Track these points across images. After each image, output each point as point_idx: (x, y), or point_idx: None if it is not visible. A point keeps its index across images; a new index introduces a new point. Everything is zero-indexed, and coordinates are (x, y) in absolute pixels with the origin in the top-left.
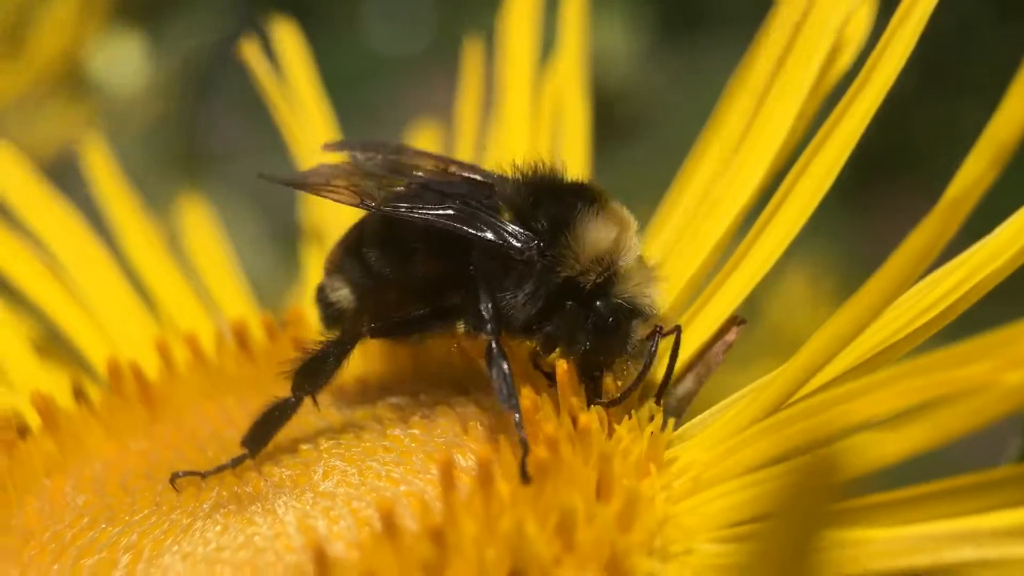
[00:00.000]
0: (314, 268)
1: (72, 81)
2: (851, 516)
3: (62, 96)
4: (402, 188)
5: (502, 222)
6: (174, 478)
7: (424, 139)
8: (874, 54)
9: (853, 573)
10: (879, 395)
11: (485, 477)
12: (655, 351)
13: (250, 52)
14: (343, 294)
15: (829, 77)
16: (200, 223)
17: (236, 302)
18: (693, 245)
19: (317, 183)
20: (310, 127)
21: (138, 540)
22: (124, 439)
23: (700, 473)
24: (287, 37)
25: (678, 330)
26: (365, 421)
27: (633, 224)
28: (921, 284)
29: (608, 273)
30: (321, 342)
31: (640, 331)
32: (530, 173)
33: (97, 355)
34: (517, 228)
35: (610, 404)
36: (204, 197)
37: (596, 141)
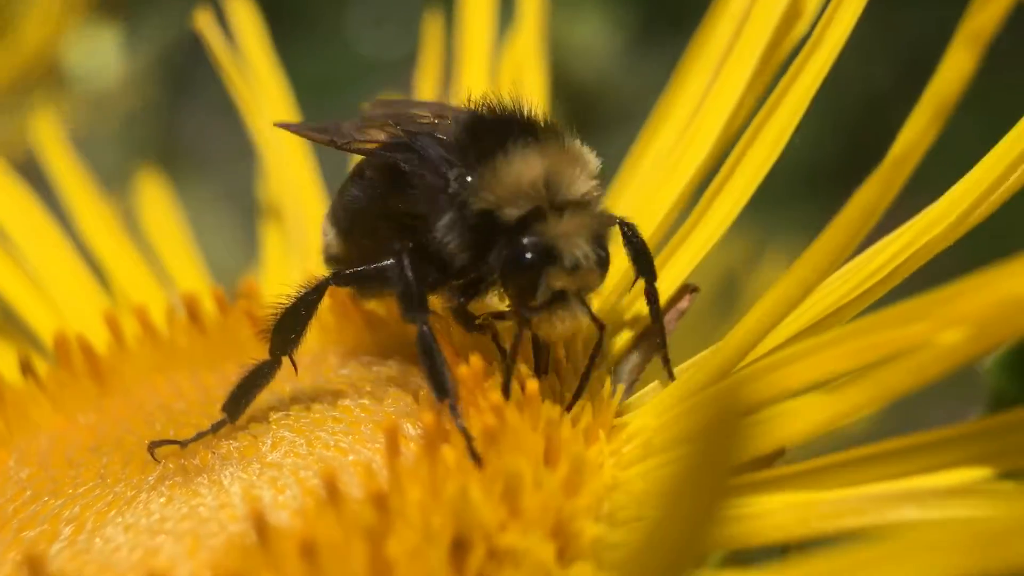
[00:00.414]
0: (271, 246)
1: (50, 75)
2: (797, 479)
3: (40, 90)
4: (374, 128)
5: (440, 157)
6: (152, 447)
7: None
8: (822, 21)
9: (800, 534)
10: (820, 358)
11: (431, 444)
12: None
13: (203, 23)
14: (331, 237)
15: (784, 46)
16: (156, 199)
17: (190, 277)
18: (648, 211)
19: (302, 128)
20: (265, 100)
21: (80, 512)
22: (72, 413)
23: (650, 439)
24: (243, 13)
25: (602, 330)
26: (316, 393)
27: (586, 166)
28: (868, 251)
29: (531, 208)
30: (289, 296)
31: (556, 281)
32: (485, 109)
33: (46, 329)
34: (449, 160)
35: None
36: (173, 185)
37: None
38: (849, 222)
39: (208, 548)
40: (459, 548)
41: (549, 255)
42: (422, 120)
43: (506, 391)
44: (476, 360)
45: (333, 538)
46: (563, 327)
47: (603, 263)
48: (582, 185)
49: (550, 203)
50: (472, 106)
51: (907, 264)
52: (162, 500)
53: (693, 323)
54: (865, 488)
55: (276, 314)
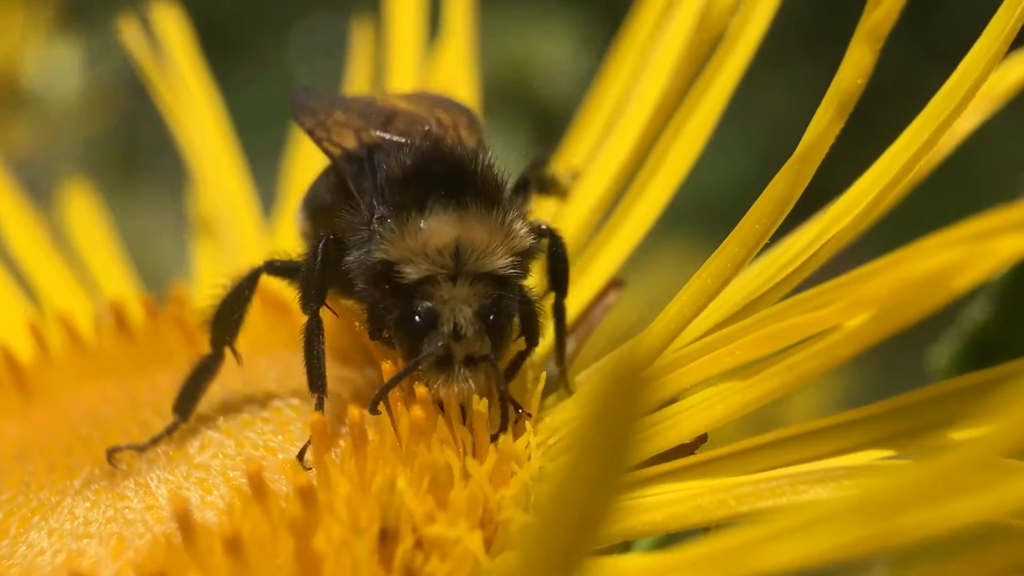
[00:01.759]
0: (204, 254)
1: (8, 90)
2: (717, 464)
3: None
4: (351, 130)
5: (380, 187)
6: (111, 453)
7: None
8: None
9: (720, 516)
10: (735, 345)
11: (359, 438)
12: (410, 367)
13: (129, 33)
14: (301, 222)
15: (704, 42)
16: (84, 209)
17: (118, 285)
18: (577, 205)
19: (305, 104)
20: (193, 105)
21: (3, 519)
22: None
23: (567, 433)
24: (169, 21)
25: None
26: (246, 395)
27: (511, 240)
28: (781, 243)
29: (429, 273)
30: (224, 287)
31: (439, 346)
32: (444, 147)
33: None
34: (383, 196)
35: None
36: (133, 197)
37: None
38: (762, 214)
39: (133, 549)
40: (386, 540)
41: (432, 319)
42: (400, 135)
43: (372, 408)
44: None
45: (260, 533)
46: (447, 391)
47: (493, 333)
48: (497, 260)
49: (451, 272)
50: (436, 137)
51: (818, 255)
52: (87, 504)
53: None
54: (782, 470)
55: (213, 306)
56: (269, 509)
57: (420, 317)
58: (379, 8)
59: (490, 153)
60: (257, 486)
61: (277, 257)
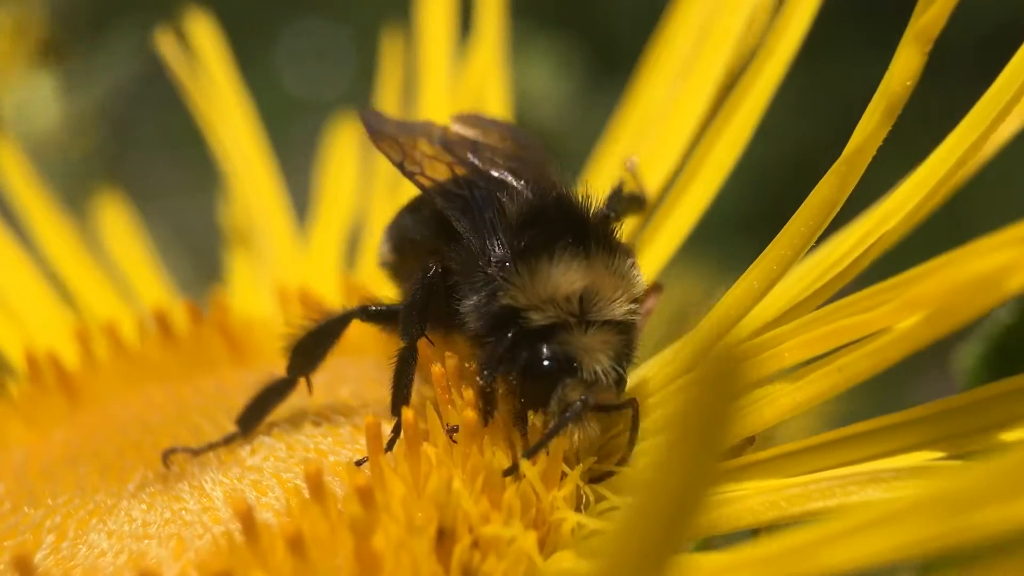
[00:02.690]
0: (239, 265)
1: None
2: (766, 466)
3: None
4: (443, 164)
5: (492, 227)
6: (167, 455)
7: (346, 129)
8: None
9: (770, 518)
10: (785, 347)
11: (413, 441)
12: (569, 416)
13: (166, 46)
14: (385, 250)
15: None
16: (118, 220)
17: (156, 293)
18: None
19: (383, 132)
20: (231, 120)
21: (62, 522)
22: (45, 429)
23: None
24: (204, 33)
25: (634, 404)
26: (295, 400)
27: (629, 287)
28: (827, 245)
29: (558, 320)
30: (314, 319)
31: (572, 392)
32: (555, 193)
33: (14, 349)
34: (499, 238)
35: (526, 454)
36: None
37: None
38: (808, 216)
39: (194, 549)
40: (444, 539)
41: (569, 366)
42: (495, 170)
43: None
44: (451, 360)
45: (319, 533)
46: (575, 438)
47: (621, 382)
48: (618, 308)
49: (579, 319)
50: (547, 183)
51: (865, 256)
52: (143, 507)
53: None
54: (831, 472)
55: (299, 335)
56: (328, 509)
57: (553, 362)
58: (368, 14)
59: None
60: (316, 486)
61: (371, 304)
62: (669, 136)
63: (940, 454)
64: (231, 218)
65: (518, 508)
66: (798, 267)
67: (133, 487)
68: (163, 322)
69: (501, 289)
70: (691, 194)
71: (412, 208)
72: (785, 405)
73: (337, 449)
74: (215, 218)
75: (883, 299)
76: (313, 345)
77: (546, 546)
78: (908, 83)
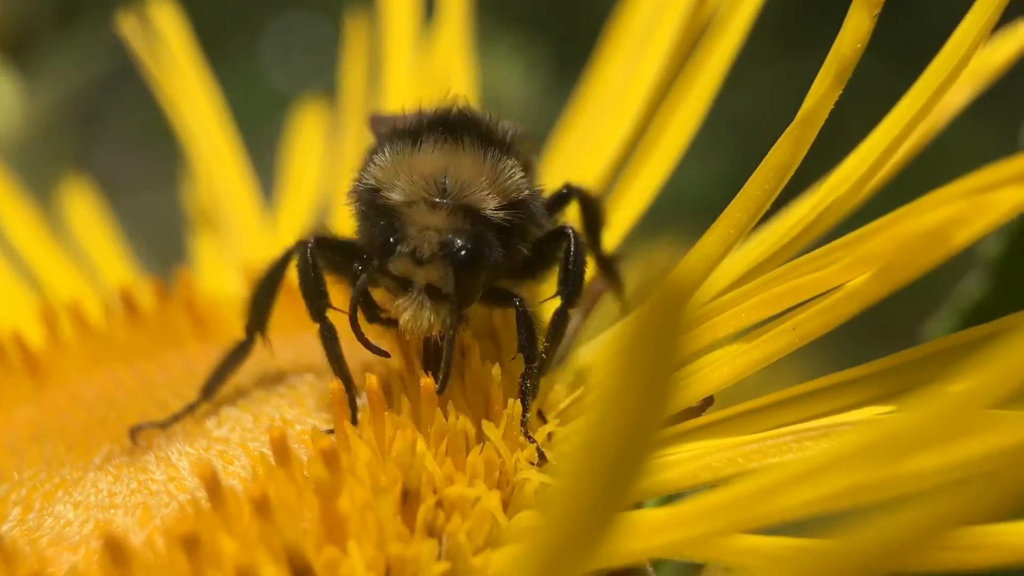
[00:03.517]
0: (205, 248)
1: None
2: (724, 425)
3: None
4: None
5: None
6: (134, 431)
7: (310, 114)
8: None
9: (728, 474)
10: (740, 308)
11: (376, 405)
12: (358, 287)
13: (128, 29)
14: None
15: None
16: (83, 205)
17: (121, 275)
18: (583, 174)
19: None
20: (195, 101)
21: (28, 495)
22: (9, 408)
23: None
24: (168, 19)
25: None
26: (259, 373)
27: (502, 185)
28: (783, 211)
29: (412, 197)
30: (260, 273)
31: (397, 265)
32: (456, 110)
33: None
34: (391, 139)
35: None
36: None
37: None
38: (764, 180)
39: (160, 517)
40: (408, 500)
41: (400, 237)
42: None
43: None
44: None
45: (285, 496)
46: (405, 317)
47: (460, 270)
48: (482, 200)
49: (430, 200)
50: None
51: (817, 222)
52: (109, 479)
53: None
54: (788, 428)
55: (248, 293)
56: (293, 474)
57: (393, 236)
58: (353, 6)
59: (518, 131)
60: (281, 452)
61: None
62: (625, 112)
63: (891, 408)
64: (195, 200)
65: (482, 470)
66: (754, 233)
67: (99, 460)
68: (128, 301)
69: (366, 171)
70: (650, 166)
71: None
72: (742, 364)
73: (303, 419)
74: (181, 214)
75: (835, 257)
76: (262, 297)
77: (510, 506)
78: (858, 46)
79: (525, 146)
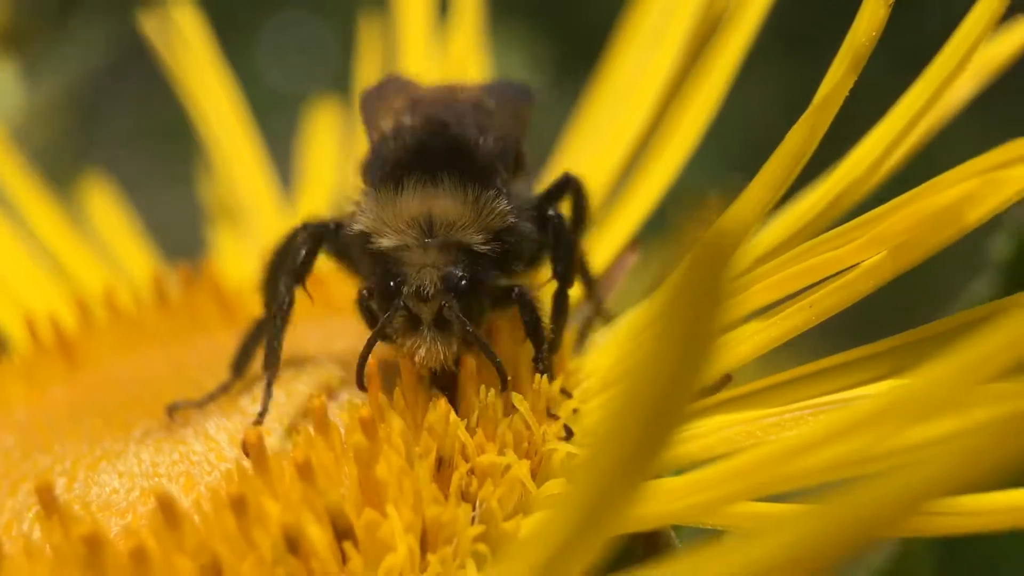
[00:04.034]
0: (223, 237)
1: None
2: (742, 400)
3: None
4: (393, 116)
5: (378, 163)
6: (170, 409)
7: (324, 113)
8: None
9: (746, 446)
10: (758, 288)
11: (410, 380)
12: (376, 332)
13: (151, 29)
14: None
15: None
16: (103, 199)
17: (146, 265)
18: (597, 169)
19: (371, 92)
20: (214, 94)
21: (72, 467)
22: (45, 389)
23: (605, 375)
24: (185, 12)
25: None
26: (290, 354)
27: (486, 219)
28: (796, 197)
29: (401, 241)
30: (271, 252)
31: (408, 306)
32: (439, 127)
33: (9, 319)
34: (376, 170)
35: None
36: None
37: None
38: (778, 166)
39: (203, 484)
40: (442, 467)
41: (398, 280)
42: (420, 120)
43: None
44: None
45: (325, 463)
46: (419, 353)
47: (459, 293)
48: (466, 234)
49: (420, 242)
50: (441, 121)
51: (830, 209)
52: (151, 451)
53: None
54: (805, 402)
55: (260, 274)
56: (332, 442)
57: (392, 281)
58: (351, 6)
59: (505, 139)
60: (321, 420)
61: (311, 221)
62: (638, 106)
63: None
64: (213, 191)
65: (511, 440)
66: (770, 217)
67: (138, 435)
68: (158, 287)
69: (355, 216)
70: (662, 160)
71: None
72: (760, 341)
73: (338, 394)
74: (182, 212)
75: (851, 237)
76: (273, 277)
77: (538, 475)
78: (873, 34)
79: (514, 144)
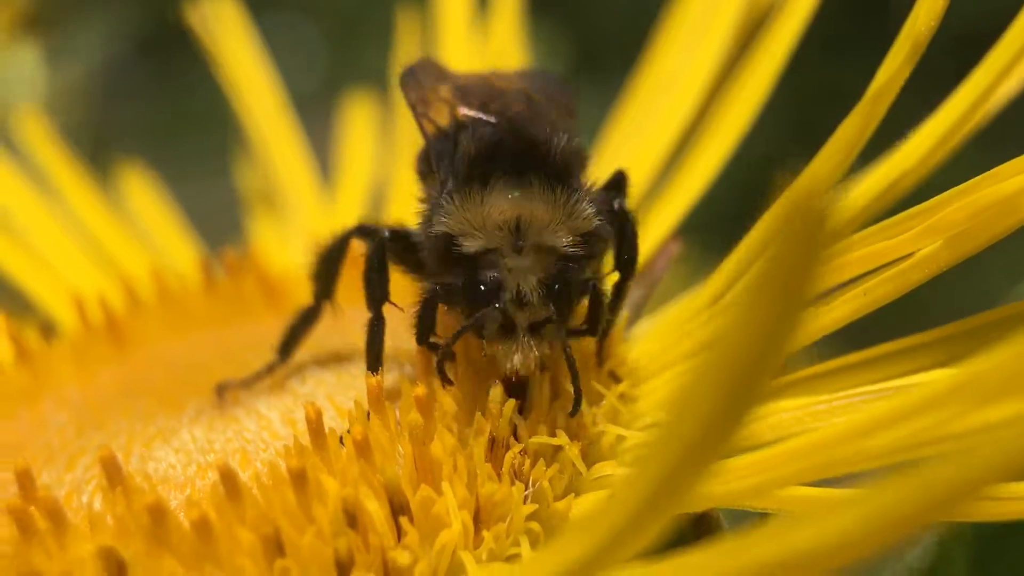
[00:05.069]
0: (263, 225)
1: None
2: (792, 388)
3: None
4: (447, 107)
5: (451, 161)
6: (220, 387)
7: (359, 107)
8: None
9: (796, 433)
10: None
11: (463, 364)
12: (462, 330)
13: (194, 17)
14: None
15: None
16: (143, 188)
17: (187, 253)
18: (640, 161)
19: (413, 74)
20: (258, 89)
21: (127, 443)
22: (96, 369)
23: (650, 363)
24: (227, 10)
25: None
26: (340, 340)
27: (574, 221)
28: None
29: (490, 245)
30: (322, 246)
31: (495, 313)
32: (517, 124)
33: (57, 302)
34: (452, 170)
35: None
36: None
37: None
38: (832, 154)
39: (259, 461)
40: (495, 447)
41: (498, 288)
42: (483, 112)
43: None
44: None
45: (381, 440)
46: (514, 359)
47: (558, 303)
48: (558, 237)
49: (511, 245)
50: (516, 117)
51: (886, 195)
52: (204, 428)
53: None
54: (857, 389)
55: (312, 263)
56: (387, 421)
57: (485, 285)
58: (341, 9)
59: (571, 136)
60: (376, 399)
61: (367, 224)
62: (680, 101)
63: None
64: (252, 180)
65: (563, 423)
66: None
67: (191, 414)
68: (206, 271)
69: (436, 215)
70: (706, 153)
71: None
72: (815, 328)
73: (389, 377)
74: (199, 208)
75: (908, 226)
76: (325, 270)
77: (588, 456)
78: (932, 23)
79: (576, 143)
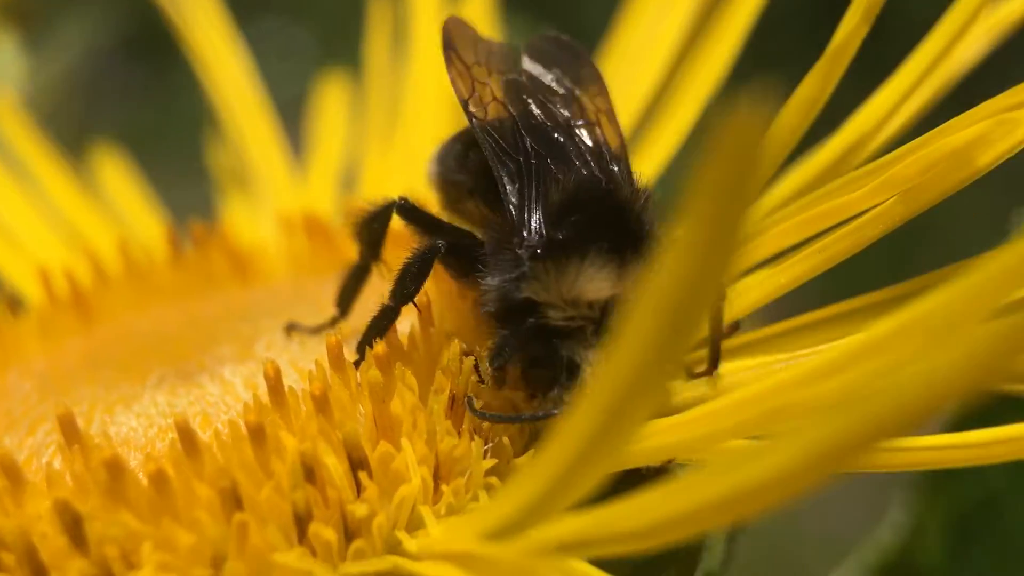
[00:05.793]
0: (234, 201)
1: None
2: (753, 346)
3: None
4: (506, 113)
5: (534, 205)
6: (289, 327)
7: (333, 90)
8: None
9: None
10: (772, 233)
11: (425, 322)
12: (542, 416)
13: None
14: (432, 174)
15: None
16: (113, 165)
17: (157, 227)
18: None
19: (459, 55)
20: (225, 61)
21: (89, 409)
22: (62, 340)
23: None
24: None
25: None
26: (304, 306)
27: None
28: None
29: (576, 323)
30: (365, 211)
31: (566, 393)
32: (610, 176)
33: (21, 276)
34: (538, 220)
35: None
36: None
37: None
38: (792, 114)
39: (220, 422)
40: (455, 405)
41: (573, 369)
42: (558, 132)
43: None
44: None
45: (341, 398)
46: (555, 395)
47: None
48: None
49: (598, 326)
50: (603, 160)
51: (840, 163)
52: (166, 394)
53: None
54: (813, 348)
55: (356, 225)
56: (347, 380)
57: (558, 367)
58: (330, 14)
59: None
60: (336, 357)
61: (410, 201)
62: (647, 72)
63: None
64: (222, 158)
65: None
66: (783, 169)
67: (155, 380)
68: (173, 244)
69: (525, 280)
70: (671, 123)
71: (459, 143)
72: (771, 287)
73: (352, 340)
74: (182, 207)
75: (862, 183)
76: (369, 233)
77: None
78: None
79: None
